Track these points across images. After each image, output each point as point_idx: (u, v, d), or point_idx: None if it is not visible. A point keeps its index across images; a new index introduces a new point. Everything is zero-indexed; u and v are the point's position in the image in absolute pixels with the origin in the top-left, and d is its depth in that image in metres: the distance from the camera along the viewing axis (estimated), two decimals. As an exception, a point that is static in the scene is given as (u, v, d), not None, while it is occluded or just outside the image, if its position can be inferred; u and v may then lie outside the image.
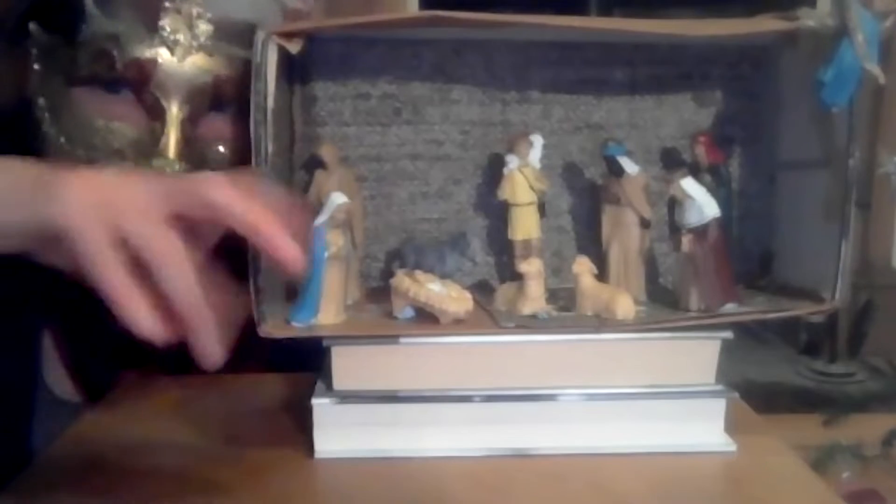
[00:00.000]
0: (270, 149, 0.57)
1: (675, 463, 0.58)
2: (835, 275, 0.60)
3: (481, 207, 0.71)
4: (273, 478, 0.56)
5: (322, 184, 0.65)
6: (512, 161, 0.65)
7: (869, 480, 0.77)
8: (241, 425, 0.52)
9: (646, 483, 0.56)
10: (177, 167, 0.63)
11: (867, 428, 0.84)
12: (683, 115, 0.71)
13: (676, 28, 0.63)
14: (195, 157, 0.64)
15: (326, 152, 0.66)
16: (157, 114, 0.63)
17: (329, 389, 0.58)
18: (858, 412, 0.92)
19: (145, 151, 0.63)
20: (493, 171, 0.69)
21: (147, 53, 0.62)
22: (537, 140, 0.65)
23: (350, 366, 0.58)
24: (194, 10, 0.63)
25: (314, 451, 0.58)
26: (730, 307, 0.60)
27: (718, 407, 0.60)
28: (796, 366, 1.38)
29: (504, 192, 0.66)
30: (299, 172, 0.69)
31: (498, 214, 0.69)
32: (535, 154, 0.65)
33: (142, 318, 0.41)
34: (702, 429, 0.60)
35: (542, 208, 0.66)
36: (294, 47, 0.58)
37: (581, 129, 0.71)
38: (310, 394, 0.59)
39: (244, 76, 0.60)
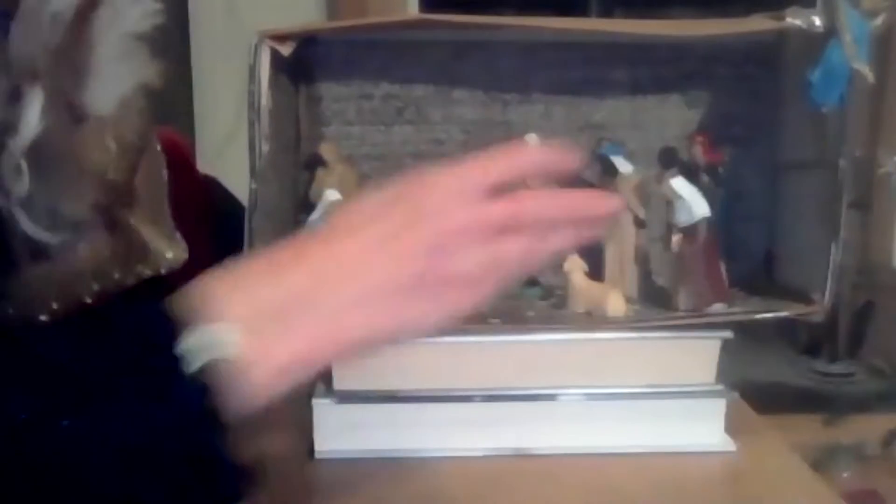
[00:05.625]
0: (265, 147, 0.57)
1: (675, 463, 0.58)
2: (825, 276, 0.60)
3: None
4: (273, 478, 0.56)
5: (323, 181, 0.65)
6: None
7: (869, 480, 0.77)
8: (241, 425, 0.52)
9: (646, 483, 0.56)
10: None
11: (867, 428, 0.84)
12: (686, 115, 0.71)
13: (666, 29, 0.63)
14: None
15: (326, 150, 0.66)
16: None
17: (329, 389, 0.58)
18: (858, 412, 0.92)
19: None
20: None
21: None
22: (532, 139, 0.66)
23: (350, 366, 0.58)
24: None
25: (314, 451, 0.59)
26: (718, 307, 0.60)
27: (718, 407, 0.60)
28: (796, 366, 1.37)
29: None
30: (303, 171, 0.69)
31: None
32: None
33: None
34: (702, 429, 0.60)
35: None
36: (286, 50, 0.59)
37: (583, 130, 0.71)
38: (309, 394, 0.59)
39: None
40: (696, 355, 0.60)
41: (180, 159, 0.66)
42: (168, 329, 0.40)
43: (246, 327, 0.41)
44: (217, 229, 0.68)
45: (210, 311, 0.40)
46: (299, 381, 0.44)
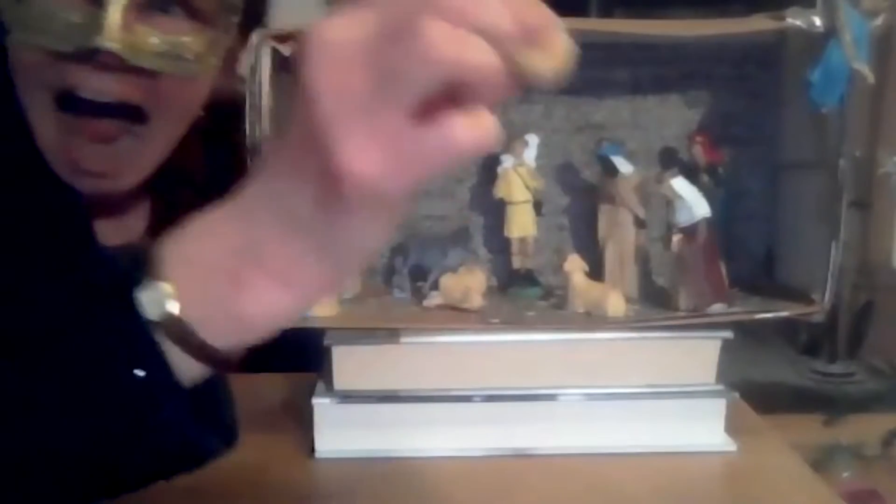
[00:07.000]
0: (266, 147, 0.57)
1: (675, 463, 0.58)
2: (825, 276, 0.60)
3: (483, 206, 0.71)
4: (273, 478, 0.56)
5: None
6: (507, 160, 0.66)
7: (869, 480, 0.77)
8: (241, 425, 0.52)
9: (646, 483, 0.56)
10: (116, 46, 0.61)
11: (867, 428, 0.84)
12: (686, 115, 0.71)
13: (666, 29, 0.63)
14: (136, 46, 0.63)
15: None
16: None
17: (329, 389, 0.58)
18: (858, 412, 0.92)
19: (86, 36, 0.61)
20: (493, 171, 0.69)
21: None
22: (532, 139, 0.66)
23: (350, 365, 0.58)
24: None
25: (314, 451, 0.59)
26: (718, 307, 0.60)
27: (718, 407, 0.60)
28: (796, 366, 1.37)
29: (500, 191, 0.66)
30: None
31: (499, 213, 0.69)
32: (531, 153, 0.66)
33: None
34: (702, 429, 0.60)
35: (537, 206, 0.67)
36: (286, 50, 0.59)
37: (583, 129, 0.71)
38: (310, 394, 0.59)
39: None
40: (696, 355, 0.60)
41: None
42: (124, 277, 0.39)
43: (186, 285, 0.39)
44: None
45: (153, 270, 0.39)
46: (269, 332, 0.41)
